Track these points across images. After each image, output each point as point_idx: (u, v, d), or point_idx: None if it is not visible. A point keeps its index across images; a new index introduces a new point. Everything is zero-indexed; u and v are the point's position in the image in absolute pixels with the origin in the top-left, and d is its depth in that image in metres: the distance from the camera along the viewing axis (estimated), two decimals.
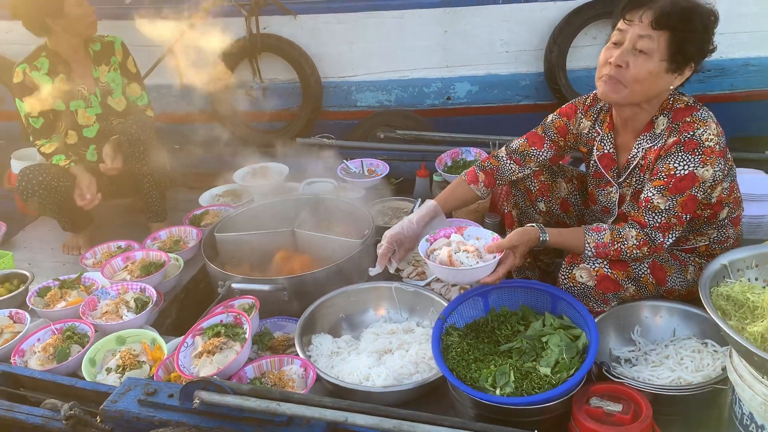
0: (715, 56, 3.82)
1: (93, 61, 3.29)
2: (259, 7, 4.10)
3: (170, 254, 2.97)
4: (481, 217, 3.30)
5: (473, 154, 3.66)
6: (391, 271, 2.34)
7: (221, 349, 2.14)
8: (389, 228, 3.17)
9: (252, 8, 4.08)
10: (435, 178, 3.59)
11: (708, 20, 2.03)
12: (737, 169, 3.13)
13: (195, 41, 4.19)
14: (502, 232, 2.93)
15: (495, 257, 2.09)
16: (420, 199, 3.46)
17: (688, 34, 2.00)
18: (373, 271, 2.32)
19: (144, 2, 4.31)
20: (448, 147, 3.77)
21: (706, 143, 2.02)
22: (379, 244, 2.30)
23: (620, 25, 2.07)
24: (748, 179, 2.99)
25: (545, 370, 1.90)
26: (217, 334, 2.19)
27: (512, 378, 1.89)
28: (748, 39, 3.99)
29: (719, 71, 4.03)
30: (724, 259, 1.91)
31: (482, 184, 2.44)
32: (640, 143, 2.19)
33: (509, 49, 4.14)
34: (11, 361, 2.29)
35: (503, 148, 2.49)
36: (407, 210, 3.46)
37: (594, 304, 2.17)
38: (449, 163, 3.65)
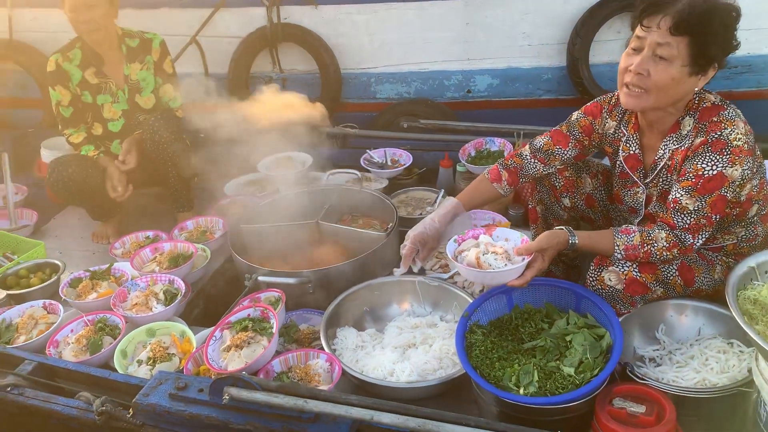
0: (741, 53, 3.73)
1: (126, 58, 3.33)
2: None
3: (197, 245, 3.01)
4: (505, 208, 3.30)
5: (497, 144, 3.64)
6: (416, 270, 2.36)
7: (249, 343, 2.18)
8: (412, 219, 3.24)
9: None
10: (458, 168, 3.59)
11: (729, 19, 1.97)
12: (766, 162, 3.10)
13: (216, 31, 4.23)
14: (526, 224, 2.94)
15: (524, 260, 2.08)
16: (443, 190, 3.48)
17: (709, 36, 1.95)
18: (397, 272, 2.36)
19: None
20: (472, 137, 3.76)
21: (734, 143, 1.99)
22: (402, 245, 2.32)
23: (638, 31, 2.02)
24: None
25: (569, 370, 1.91)
26: (245, 329, 2.24)
27: (536, 377, 1.91)
28: None
29: (746, 68, 3.95)
30: (752, 262, 1.89)
31: (505, 183, 2.44)
32: (667, 144, 2.17)
33: (531, 42, 4.10)
34: (46, 351, 2.36)
35: (527, 147, 2.47)
36: (431, 200, 3.47)
37: (621, 307, 2.17)
38: (473, 154, 3.64)
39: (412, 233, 2.33)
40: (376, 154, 3.78)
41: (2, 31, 4.38)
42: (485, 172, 2.50)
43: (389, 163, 3.75)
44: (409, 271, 2.44)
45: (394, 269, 2.41)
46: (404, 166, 3.69)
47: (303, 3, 4.13)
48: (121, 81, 3.34)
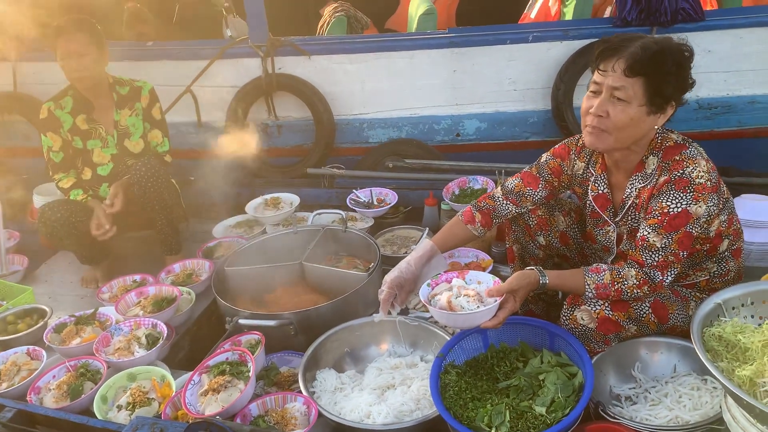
0: (722, 94, 3.82)
1: (116, 104, 3.43)
2: (274, 48, 4.21)
3: (182, 288, 3.04)
4: (488, 246, 3.33)
5: (480, 182, 3.69)
6: (394, 315, 2.36)
7: (226, 387, 2.19)
8: (398, 258, 3.27)
9: (268, 49, 4.20)
10: (443, 206, 3.64)
11: (681, 58, 2.05)
12: (745, 195, 3.14)
13: (213, 81, 4.34)
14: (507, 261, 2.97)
15: (495, 301, 2.10)
16: (428, 228, 3.52)
17: (663, 76, 2.01)
18: (377, 317, 2.38)
19: (165, 44, 4.48)
20: (456, 176, 3.81)
21: (697, 180, 2.04)
22: (380, 290, 2.32)
23: (596, 75, 2.10)
24: (755, 206, 2.97)
25: (540, 410, 1.92)
26: (222, 372, 2.25)
27: (507, 418, 1.92)
28: (753, 77, 4.01)
29: (726, 108, 4.02)
30: (717, 298, 1.90)
31: (479, 224, 2.47)
32: (633, 183, 2.21)
33: (517, 88, 4.20)
34: (27, 398, 2.37)
35: (499, 188, 2.52)
36: (416, 239, 3.51)
37: (595, 345, 2.19)
38: (457, 192, 3.69)
39: (388, 278, 2.33)
40: (362, 194, 3.83)
41: (7, 84, 4.50)
42: (459, 214, 2.53)
43: (375, 202, 3.79)
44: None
45: (374, 315, 2.42)
46: (390, 205, 3.73)
47: (296, 54, 4.24)
48: (111, 126, 3.43)
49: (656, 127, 2.13)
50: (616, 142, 2.11)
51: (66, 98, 3.40)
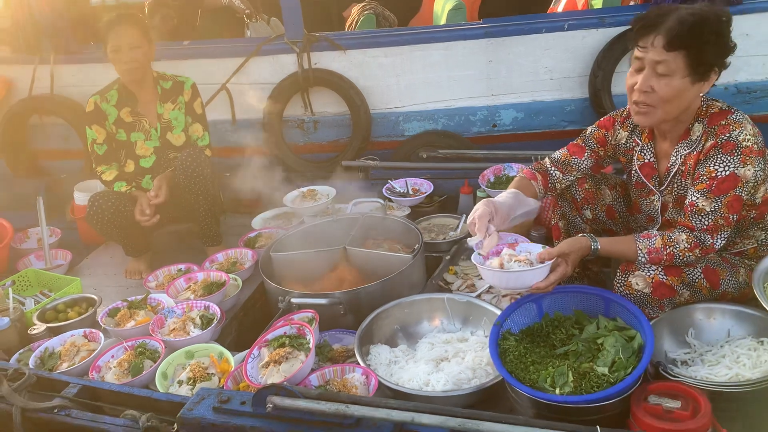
0: (760, 77, 3.83)
1: (159, 98, 3.53)
2: (310, 44, 4.29)
3: (229, 274, 3.10)
4: (527, 231, 3.36)
5: (515, 169, 3.73)
6: (481, 250, 2.22)
7: (287, 358, 2.23)
8: (436, 244, 3.31)
9: (303, 45, 4.28)
10: (479, 194, 3.67)
11: (720, 25, 2.07)
12: None
13: (249, 78, 4.42)
14: (549, 245, 3.00)
15: (547, 263, 2.14)
16: (464, 215, 3.56)
17: (703, 46, 2.04)
18: (471, 241, 2.26)
19: (201, 43, 4.57)
20: (490, 164, 3.85)
21: (744, 143, 2.08)
22: (472, 211, 2.25)
23: (636, 52, 2.14)
24: None
25: (603, 369, 1.95)
26: (282, 345, 2.29)
27: (570, 378, 1.95)
28: None
29: (765, 92, 4.01)
30: None
31: (540, 183, 2.49)
32: (679, 150, 2.25)
33: (553, 76, 4.22)
34: (89, 376, 2.43)
35: (546, 159, 2.57)
36: (452, 226, 3.55)
37: (650, 311, 2.22)
38: (492, 179, 3.73)
39: (482, 201, 2.27)
40: (398, 184, 3.88)
41: (45, 87, 4.59)
42: (519, 172, 2.53)
43: (410, 192, 3.84)
44: (435, 286, 2.48)
45: (468, 240, 2.27)
46: (425, 195, 3.78)
47: (332, 49, 4.30)
48: (154, 119, 3.53)
49: (702, 93, 2.17)
50: (665, 114, 2.15)
51: (111, 92, 3.51)
